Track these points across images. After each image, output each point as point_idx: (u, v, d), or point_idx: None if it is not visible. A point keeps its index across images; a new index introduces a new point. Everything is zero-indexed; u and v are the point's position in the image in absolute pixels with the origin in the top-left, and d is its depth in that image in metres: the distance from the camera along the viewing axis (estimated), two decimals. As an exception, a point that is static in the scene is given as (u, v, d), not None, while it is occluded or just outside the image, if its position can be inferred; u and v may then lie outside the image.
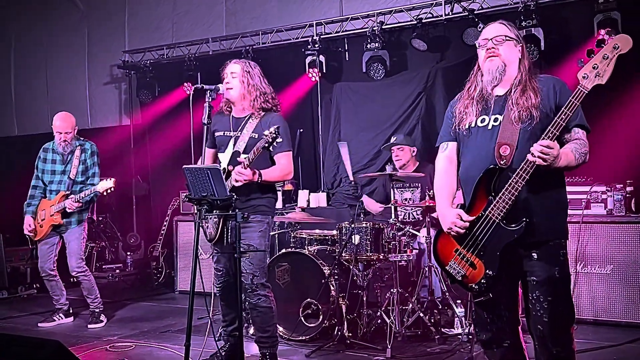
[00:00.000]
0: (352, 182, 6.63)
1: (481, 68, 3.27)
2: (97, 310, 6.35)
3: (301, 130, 7.95)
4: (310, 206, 7.32)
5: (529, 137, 3.07)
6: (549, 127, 2.94)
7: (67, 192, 6.16)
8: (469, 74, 3.39)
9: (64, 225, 6.19)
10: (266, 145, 4.12)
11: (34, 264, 8.45)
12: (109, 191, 6.08)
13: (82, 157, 6.26)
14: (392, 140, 6.36)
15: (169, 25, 9.49)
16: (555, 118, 2.94)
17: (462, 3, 7.14)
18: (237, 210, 3.90)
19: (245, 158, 4.21)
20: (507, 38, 3.21)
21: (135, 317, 6.74)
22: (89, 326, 6.20)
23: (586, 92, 2.92)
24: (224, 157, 4.50)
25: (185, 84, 8.80)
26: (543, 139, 2.93)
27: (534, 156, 2.91)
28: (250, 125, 4.48)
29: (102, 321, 6.32)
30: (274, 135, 4.10)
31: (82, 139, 6.41)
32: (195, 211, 4.06)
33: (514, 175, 3.01)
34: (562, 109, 2.93)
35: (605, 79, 2.92)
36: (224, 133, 4.55)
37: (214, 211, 3.97)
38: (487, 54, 3.22)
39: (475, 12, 6.96)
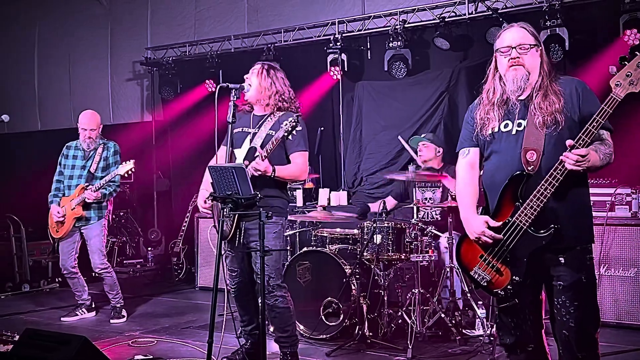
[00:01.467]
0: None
1: (503, 76, 3.23)
2: (119, 305, 6.41)
3: (322, 128, 7.93)
4: (330, 204, 7.32)
5: (555, 142, 3.06)
6: (580, 135, 2.92)
7: (85, 185, 6.20)
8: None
9: (84, 220, 6.23)
10: (285, 134, 4.14)
11: (55, 258, 8.52)
12: (129, 172, 6.10)
13: (103, 154, 6.32)
14: (422, 135, 6.35)
15: (191, 22, 9.53)
16: (587, 125, 2.92)
17: (485, 2, 7.09)
18: (260, 209, 3.92)
19: (263, 150, 4.24)
20: (531, 46, 3.17)
21: (156, 312, 6.79)
22: (111, 321, 6.27)
23: (619, 100, 2.90)
24: (240, 153, 4.51)
25: (207, 81, 8.85)
26: (574, 147, 2.91)
27: (571, 164, 2.90)
28: (268, 123, 4.50)
29: (123, 316, 6.37)
30: (293, 124, 4.12)
31: (105, 139, 6.48)
32: (218, 209, 4.08)
33: (542, 182, 3.00)
34: (595, 116, 2.91)
35: (639, 88, 2.89)
36: (242, 129, 4.57)
37: (238, 209, 3.98)
38: (510, 62, 3.17)
39: (499, 11, 6.91)
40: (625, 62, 2.92)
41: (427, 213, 6.10)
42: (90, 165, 6.28)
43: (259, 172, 4.23)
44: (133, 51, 9.98)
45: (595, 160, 2.99)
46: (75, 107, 10.57)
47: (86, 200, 6.14)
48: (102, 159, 6.31)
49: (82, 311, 6.45)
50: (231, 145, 4.57)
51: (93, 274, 6.47)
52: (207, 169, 4.04)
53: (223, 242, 4.49)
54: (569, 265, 3.09)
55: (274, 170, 4.30)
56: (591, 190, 3.25)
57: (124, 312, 6.42)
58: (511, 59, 3.17)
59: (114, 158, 6.36)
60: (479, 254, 3.23)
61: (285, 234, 4.97)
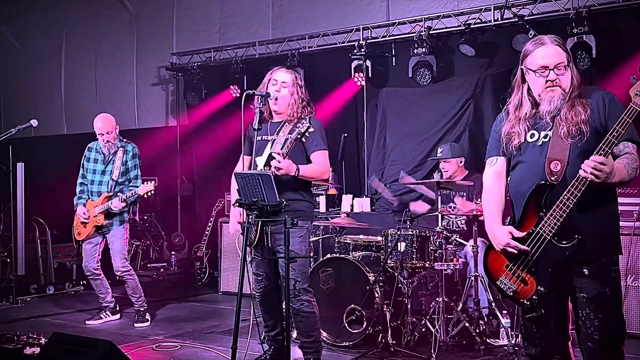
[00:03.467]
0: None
1: (537, 96, 3.18)
2: (142, 309, 6.46)
3: (345, 134, 7.94)
4: (353, 211, 7.32)
5: (580, 153, 3.03)
6: (601, 144, 2.90)
7: (110, 194, 6.27)
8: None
9: (106, 226, 6.31)
10: (299, 136, 4.16)
11: (80, 260, 8.62)
12: (149, 194, 6.16)
13: (123, 159, 6.37)
14: (438, 152, 6.31)
15: (216, 28, 9.59)
16: (607, 135, 2.89)
17: (512, 9, 7.05)
18: (286, 215, 3.93)
19: (280, 151, 4.25)
20: (566, 66, 3.13)
21: (179, 316, 6.83)
22: (135, 325, 6.31)
23: (639, 110, 2.87)
24: (261, 160, 4.53)
25: (231, 86, 8.89)
26: (595, 155, 2.89)
27: (586, 172, 2.87)
28: (285, 128, 4.53)
29: (147, 320, 6.42)
30: (307, 125, 4.13)
31: (124, 140, 6.51)
32: (244, 215, 4.11)
33: (565, 192, 2.98)
34: (614, 126, 2.88)
35: None
36: (262, 138, 4.59)
37: (264, 216, 4.01)
38: (548, 84, 3.13)
39: (525, 18, 6.86)
40: (646, 71, 2.90)
41: (452, 222, 6.07)
42: (112, 171, 6.33)
43: (282, 172, 4.23)
44: (158, 56, 10.06)
45: (622, 175, 2.96)
46: (101, 112, 10.54)
47: (114, 209, 6.19)
48: (122, 164, 6.36)
49: (107, 314, 6.50)
50: (249, 154, 4.59)
51: (117, 277, 6.53)
52: (233, 175, 4.06)
53: (249, 247, 4.52)
54: (593, 277, 3.06)
55: (297, 170, 4.30)
56: (619, 200, 3.21)
57: (147, 316, 6.46)
58: (549, 80, 3.13)
59: (133, 162, 6.41)
60: (505, 264, 3.22)
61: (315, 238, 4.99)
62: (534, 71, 3.16)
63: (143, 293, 6.50)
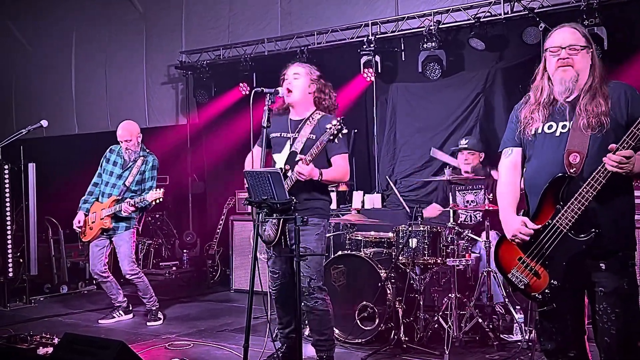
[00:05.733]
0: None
1: (551, 76, 3.18)
2: (154, 308, 6.46)
3: (355, 130, 7.93)
4: (364, 207, 7.30)
5: (600, 145, 2.99)
6: (624, 137, 2.86)
7: (118, 198, 6.26)
8: (529, 75, 3.31)
9: (112, 229, 6.31)
10: (331, 137, 4.12)
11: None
12: (157, 201, 6.14)
13: (142, 168, 6.36)
14: (462, 142, 6.20)
15: (225, 25, 9.57)
16: (632, 128, 2.86)
17: (522, 1, 6.98)
18: (296, 213, 3.92)
19: (307, 155, 4.22)
20: (582, 47, 3.11)
21: (192, 315, 6.84)
22: (148, 324, 6.33)
23: None
24: (280, 158, 4.51)
25: (240, 84, 8.88)
26: (618, 149, 2.85)
27: (612, 166, 2.84)
28: (307, 127, 4.48)
29: (160, 318, 6.43)
30: (339, 127, 4.09)
31: (147, 150, 6.51)
32: (255, 213, 4.10)
33: (584, 185, 2.94)
34: (639, 119, 2.85)
35: None
36: (280, 134, 4.56)
37: (274, 214, 3.99)
38: (559, 63, 3.11)
39: (535, 11, 6.79)
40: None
41: (470, 216, 6.02)
42: (127, 177, 6.32)
43: (304, 178, 4.21)
44: (168, 55, 10.07)
45: None
46: (111, 111, 10.73)
47: (122, 213, 6.18)
48: (139, 172, 6.34)
49: (119, 313, 6.52)
50: (267, 149, 4.56)
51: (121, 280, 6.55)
52: (243, 173, 4.05)
53: (267, 245, 4.51)
54: (610, 271, 3.03)
55: (320, 174, 4.29)
56: (635, 193, 3.17)
57: (160, 315, 6.47)
58: (560, 59, 3.11)
59: (151, 173, 6.40)
60: (518, 256, 3.19)
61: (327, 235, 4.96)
62: (549, 51, 3.16)
63: (154, 293, 6.50)
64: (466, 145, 6.12)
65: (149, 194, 6.13)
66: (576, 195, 2.97)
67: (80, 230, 6.42)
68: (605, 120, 3.01)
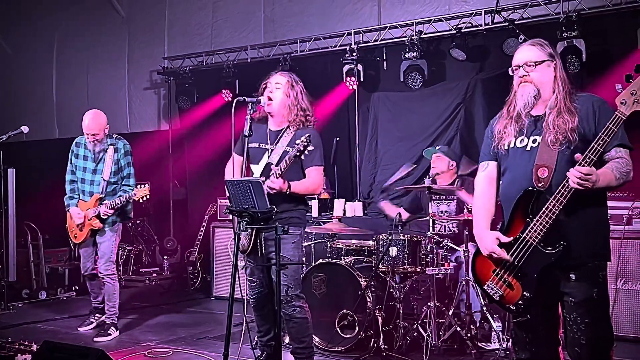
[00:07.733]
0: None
1: (516, 92, 3.27)
2: (109, 321, 6.15)
3: (337, 139, 7.95)
4: (346, 215, 7.33)
5: (567, 160, 3.06)
6: (586, 153, 2.93)
7: (101, 195, 6.07)
8: (508, 86, 3.38)
9: (101, 230, 6.15)
10: (297, 154, 4.15)
11: (72, 265, 8.62)
12: (144, 198, 6.00)
13: (115, 157, 6.12)
14: (436, 147, 6.33)
15: (208, 32, 9.59)
16: (593, 143, 2.93)
17: (502, 13, 7.07)
18: (277, 222, 3.94)
19: (277, 168, 4.25)
20: (537, 63, 3.20)
21: (172, 322, 6.81)
22: (95, 339, 5.92)
23: (624, 118, 2.92)
24: (257, 169, 4.52)
25: (223, 90, 8.89)
26: (580, 164, 2.91)
27: (573, 182, 2.91)
28: (285, 139, 4.49)
29: (109, 334, 6.03)
30: (305, 143, 4.12)
31: (114, 136, 6.25)
32: (236, 222, 4.11)
33: (551, 199, 3.01)
34: (600, 134, 2.93)
35: None
36: (259, 145, 4.56)
37: (254, 223, 4.01)
38: (518, 80, 3.24)
39: (515, 23, 6.89)
40: (631, 80, 2.94)
41: (444, 226, 6.09)
42: (103, 170, 6.08)
43: (274, 191, 4.24)
44: (150, 60, 10.07)
45: (609, 179, 2.99)
46: (93, 116, 10.67)
47: (101, 215, 6.03)
48: (113, 162, 6.10)
49: (97, 316, 6.37)
50: (241, 154, 4.56)
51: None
52: (224, 182, 4.06)
53: (242, 254, 4.52)
54: (580, 282, 3.08)
55: (289, 187, 4.31)
56: (609, 204, 3.23)
57: (111, 330, 6.08)
58: (519, 76, 3.23)
59: (125, 159, 6.17)
60: (492, 269, 3.25)
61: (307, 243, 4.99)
62: (513, 69, 3.28)
63: (118, 304, 6.19)
64: (437, 150, 6.22)
65: (135, 192, 5.94)
66: (544, 209, 3.03)
67: (81, 221, 6.11)
68: (572, 137, 3.08)
